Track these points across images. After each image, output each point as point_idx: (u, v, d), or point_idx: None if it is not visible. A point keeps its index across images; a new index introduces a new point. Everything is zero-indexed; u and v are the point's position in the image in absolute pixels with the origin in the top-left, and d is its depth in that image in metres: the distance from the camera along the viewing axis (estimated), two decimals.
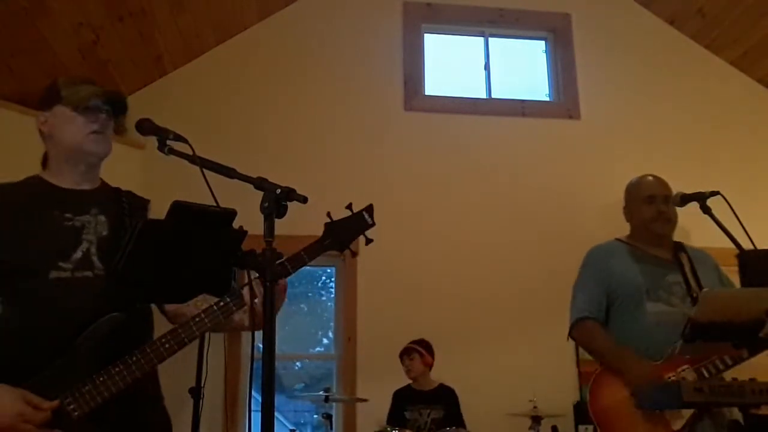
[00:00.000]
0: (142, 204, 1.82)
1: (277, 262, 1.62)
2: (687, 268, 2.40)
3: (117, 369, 1.50)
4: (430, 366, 3.91)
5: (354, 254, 1.78)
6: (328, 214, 1.76)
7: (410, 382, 3.90)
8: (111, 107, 1.73)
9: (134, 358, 1.51)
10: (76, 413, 1.47)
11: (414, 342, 3.93)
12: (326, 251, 1.76)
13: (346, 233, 1.78)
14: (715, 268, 2.51)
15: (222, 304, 1.56)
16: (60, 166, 1.73)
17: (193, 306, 1.69)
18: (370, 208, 1.83)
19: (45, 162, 1.78)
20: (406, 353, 3.91)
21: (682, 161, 4.72)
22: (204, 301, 1.66)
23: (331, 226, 1.77)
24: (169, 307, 1.75)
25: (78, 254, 1.61)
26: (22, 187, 1.72)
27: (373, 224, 1.81)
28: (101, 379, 1.49)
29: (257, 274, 1.39)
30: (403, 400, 3.84)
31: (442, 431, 3.52)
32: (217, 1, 4.51)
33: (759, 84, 5.27)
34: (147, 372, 1.53)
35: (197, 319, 1.57)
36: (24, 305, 1.58)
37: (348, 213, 1.84)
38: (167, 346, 1.54)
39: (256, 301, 1.56)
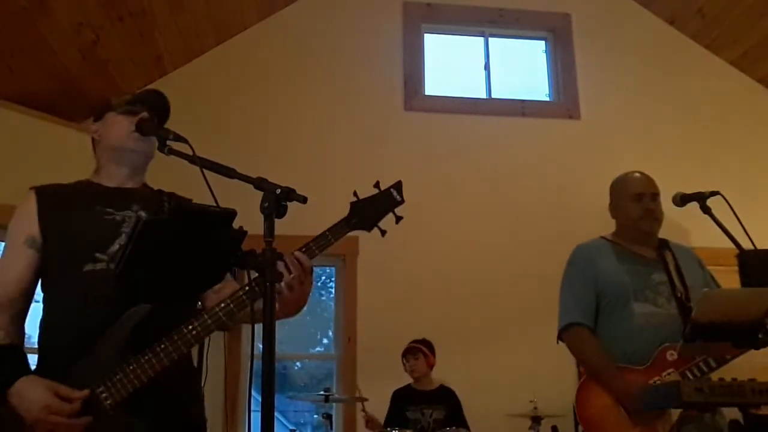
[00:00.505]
0: None
1: (302, 246, 1.61)
2: (672, 267, 2.37)
3: (146, 357, 1.51)
4: (432, 366, 3.91)
5: (383, 233, 1.70)
6: (355, 193, 1.70)
7: (411, 381, 3.90)
8: (153, 109, 1.80)
9: (162, 346, 1.52)
10: (108, 401, 1.48)
11: (417, 342, 3.92)
12: (353, 230, 1.69)
13: (373, 212, 1.71)
14: (700, 265, 2.48)
15: (248, 289, 1.56)
16: (107, 166, 1.80)
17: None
18: (398, 185, 1.75)
19: (95, 173, 1.85)
20: (410, 352, 3.90)
21: (682, 161, 4.72)
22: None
23: (358, 205, 1.71)
24: (208, 305, 1.75)
25: (115, 247, 1.64)
26: (70, 187, 1.78)
27: (402, 201, 1.72)
28: (131, 367, 1.50)
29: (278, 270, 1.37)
30: (403, 400, 3.83)
31: (443, 431, 3.53)
32: (217, 1, 4.51)
33: (759, 84, 5.27)
34: (174, 360, 1.53)
35: (223, 305, 1.56)
36: (60, 299, 1.63)
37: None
38: (194, 333, 1.54)
39: (282, 284, 1.55)
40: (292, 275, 1.55)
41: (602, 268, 2.41)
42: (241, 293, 1.56)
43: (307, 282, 1.60)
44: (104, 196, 1.73)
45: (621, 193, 2.52)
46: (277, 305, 1.38)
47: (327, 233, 1.65)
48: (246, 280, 1.53)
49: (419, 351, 3.88)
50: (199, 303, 1.78)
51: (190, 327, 1.54)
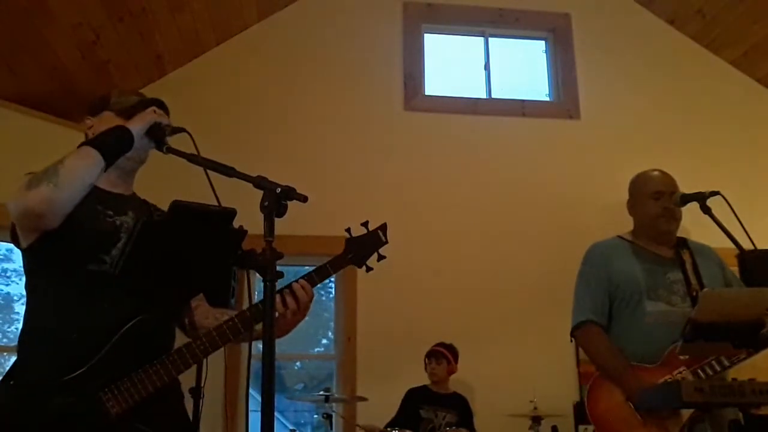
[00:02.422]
0: None
1: (305, 274, 1.71)
2: (688, 266, 2.37)
3: (154, 368, 1.52)
4: (451, 374, 3.90)
5: (369, 269, 1.84)
6: (348, 230, 1.84)
7: (426, 383, 3.88)
8: None
9: (171, 358, 1.54)
10: (114, 410, 1.48)
11: (444, 346, 3.90)
12: (348, 266, 1.83)
13: (364, 249, 1.85)
14: (720, 263, 2.47)
15: (254, 310, 1.58)
16: None
17: (212, 318, 1.72)
18: (384, 227, 1.91)
19: None
20: (434, 356, 3.87)
21: (682, 161, 4.70)
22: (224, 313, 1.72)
23: (352, 242, 1.85)
24: (188, 320, 1.76)
25: (116, 250, 1.62)
26: None
27: (386, 242, 1.89)
28: (139, 377, 1.51)
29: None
30: (418, 399, 3.82)
31: (446, 431, 3.53)
32: (217, 1, 4.51)
33: (759, 84, 5.27)
34: (182, 372, 1.56)
35: (230, 323, 1.59)
36: (59, 294, 1.58)
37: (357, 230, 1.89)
38: (202, 348, 1.57)
39: (288, 310, 1.65)
40: (297, 303, 1.65)
41: (616, 267, 2.42)
42: (247, 313, 1.59)
43: (308, 306, 1.69)
44: (103, 197, 1.69)
45: (639, 191, 2.52)
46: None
47: (327, 266, 1.77)
48: (246, 280, 1.54)
49: (444, 357, 3.86)
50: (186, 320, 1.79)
51: (198, 342, 1.57)
